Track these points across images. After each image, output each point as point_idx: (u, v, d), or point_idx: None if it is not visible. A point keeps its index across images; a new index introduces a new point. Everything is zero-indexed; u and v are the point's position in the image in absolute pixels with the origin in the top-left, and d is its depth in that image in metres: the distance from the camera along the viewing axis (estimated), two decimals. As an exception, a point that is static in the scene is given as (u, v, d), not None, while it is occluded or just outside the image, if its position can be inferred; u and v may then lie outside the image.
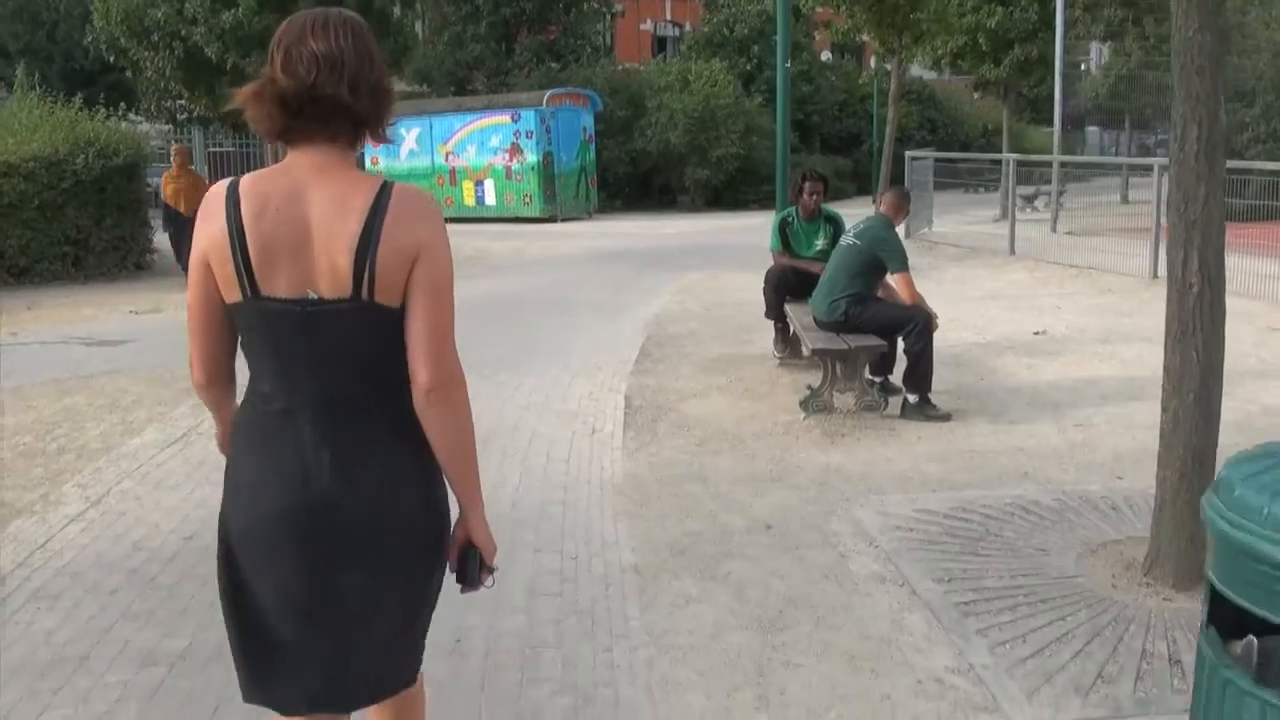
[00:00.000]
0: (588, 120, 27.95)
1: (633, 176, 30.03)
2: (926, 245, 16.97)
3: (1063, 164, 18.82)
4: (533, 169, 25.85)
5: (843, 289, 7.20)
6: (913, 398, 7.04)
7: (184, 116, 30.34)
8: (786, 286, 8.55)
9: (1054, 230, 18.60)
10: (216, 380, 2.29)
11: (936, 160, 18.83)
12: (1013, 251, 15.86)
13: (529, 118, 25.74)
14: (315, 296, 2.08)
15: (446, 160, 27.48)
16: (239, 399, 2.30)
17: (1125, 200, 24.46)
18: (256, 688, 2.28)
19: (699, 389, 7.97)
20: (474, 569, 2.30)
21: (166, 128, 31.32)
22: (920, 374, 7.02)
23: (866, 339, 7.07)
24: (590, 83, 29.63)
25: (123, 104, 23.61)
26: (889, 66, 17.57)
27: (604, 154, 28.96)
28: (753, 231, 22.82)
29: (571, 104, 27.36)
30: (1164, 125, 30.60)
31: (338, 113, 2.10)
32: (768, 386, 8.05)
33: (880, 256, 7.18)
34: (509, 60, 32.36)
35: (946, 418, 6.98)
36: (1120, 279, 13.36)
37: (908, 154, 18.50)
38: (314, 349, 2.12)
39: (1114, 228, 16.76)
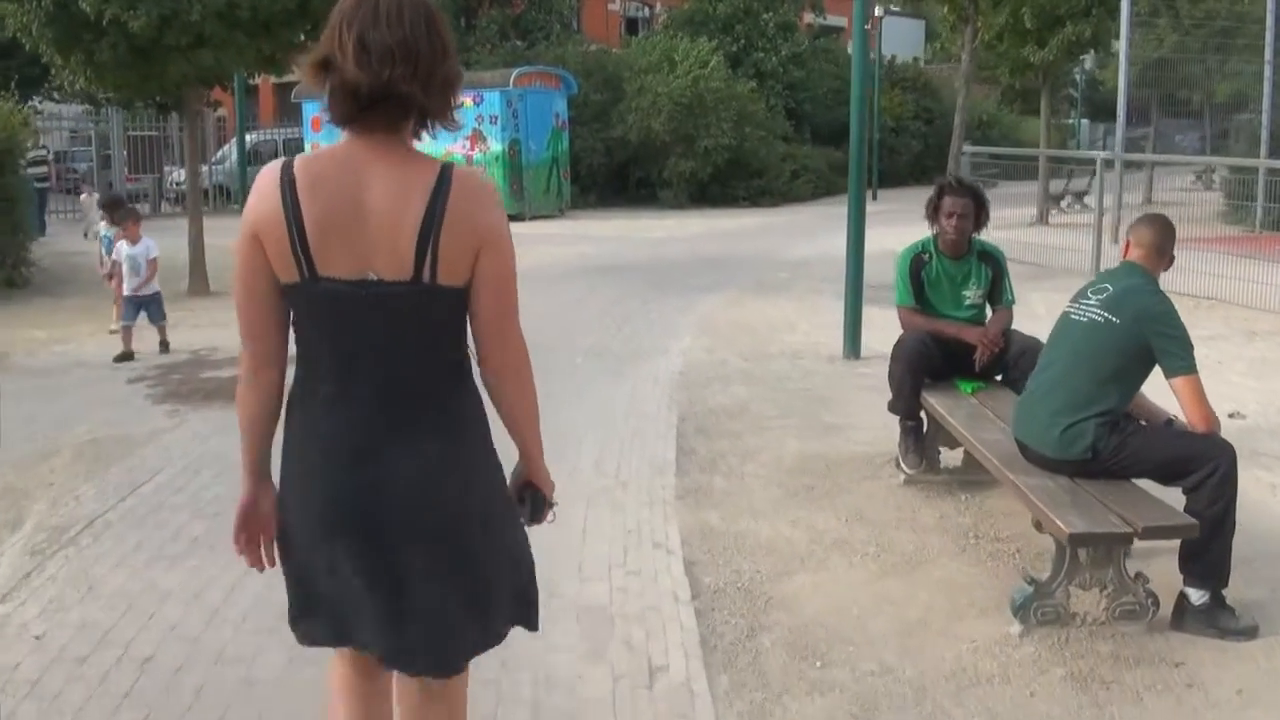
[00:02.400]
0: (560, 104, 24.61)
1: (607, 168, 26.71)
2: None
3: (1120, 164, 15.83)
4: (497, 160, 22.31)
5: (1088, 402, 4.08)
6: (1198, 596, 3.97)
7: (105, 97, 26.76)
8: (928, 365, 5.43)
9: (1116, 241, 15.61)
10: (270, 364, 2.20)
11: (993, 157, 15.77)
12: (1097, 269, 12.80)
13: (493, 100, 22.23)
14: (375, 278, 2.04)
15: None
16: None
17: (1149, 200, 21.87)
18: (322, 629, 2.32)
19: (801, 543, 4.83)
20: (538, 506, 2.42)
21: (81, 108, 27.69)
22: (1214, 557, 3.95)
23: (1156, 510, 3.94)
24: (561, 62, 26.28)
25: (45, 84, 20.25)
26: (960, 44, 14.28)
27: (576, 143, 25.65)
28: (754, 235, 19.89)
29: (542, 85, 24.00)
30: (1196, 117, 27.87)
31: (409, 110, 2.05)
32: (911, 534, 4.93)
33: (1153, 345, 4.06)
34: (470, 36, 28.84)
35: (1251, 632, 3.95)
36: (1258, 315, 10.43)
37: (966, 149, 15.43)
38: (374, 331, 2.08)
39: (1188, 238, 13.69)
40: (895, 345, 5.53)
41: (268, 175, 2.09)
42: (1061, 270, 13.23)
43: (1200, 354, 4.21)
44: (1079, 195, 21.45)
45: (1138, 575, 4.01)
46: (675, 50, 26.63)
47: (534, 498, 2.42)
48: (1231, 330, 9.98)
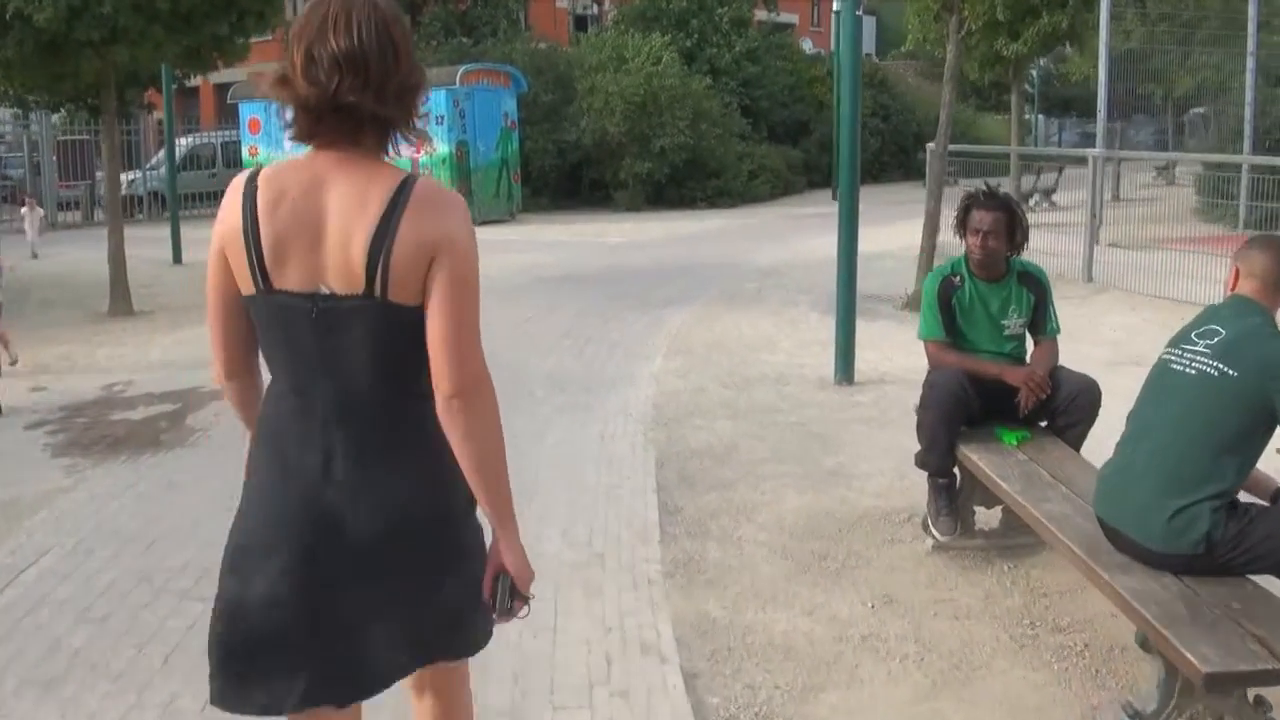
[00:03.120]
0: (510, 104, 23.57)
1: (560, 170, 25.69)
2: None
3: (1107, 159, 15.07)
4: (444, 162, 21.25)
5: (1200, 481, 3.20)
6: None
7: (33, 100, 25.41)
8: (965, 411, 4.54)
9: (1096, 241, 14.88)
10: (237, 374, 2.20)
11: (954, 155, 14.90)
12: (1090, 278, 12.04)
13: (439, 99, 21.11)
14: (327, 292, 1.98)
15: (340, 150, 22.82)
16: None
17: (1116, 198, 21.25)
18: (237, 691, 2.08)
19: (824, 642, 3.92)
20: (505, 596, 2.10)
21: (10, 112, 26.25)
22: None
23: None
24: (510, 59, 25.23)
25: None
26: (943, 35, 13.31)
27: (527, 144, 24.62)
28: (716, 238, 18.92)
29: (490, 83, 22.95)
30: (1158, 112, 27.33)
31: (363, 121, 1.97)
32: (954, 624, 4.04)
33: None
34: (414, 33, 27.76)
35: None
36: None
37: (929, 147, 14.57)
38: (326, 347, 2.01)
39: (1161, 237, 12.94)
40: (926, 388, 4.63)
41: (234, 187, 2.06)
42: (1054, 277, 12.40)
43: None
44: (1047, 193, 20.86)
45: (1258, 700, 3.14)
46: (626, 47, 25.68)
47: (503, 585, 2.12)
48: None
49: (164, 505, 5.47)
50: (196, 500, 5.46)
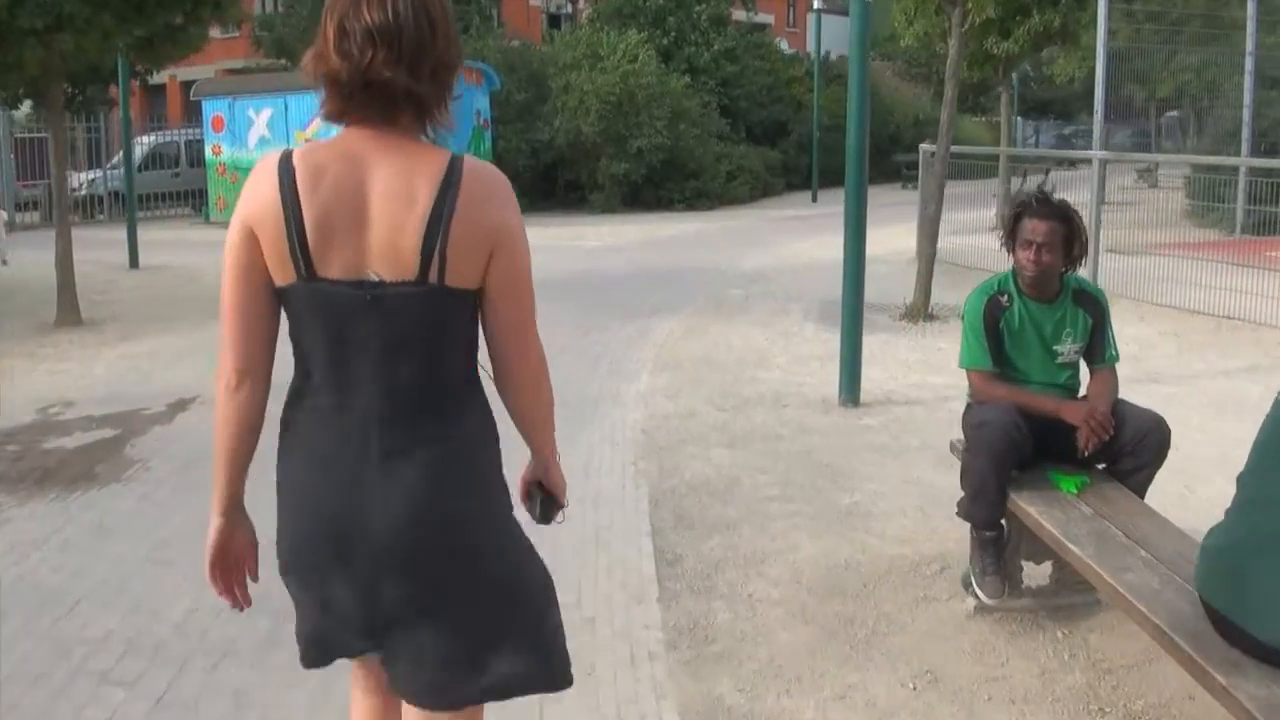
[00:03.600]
0: (482, 102, 22.88)
1: (534, 171, 25.00)
2: (957, 271, 12.38)
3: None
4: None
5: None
6: None
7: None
8: (1018, 456, 3.92)
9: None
10: (251, 377, 2.00)
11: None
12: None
13: (409, 97, 20.47)
14: (377, 279, 1.89)
15: (307, 150, 22.03)
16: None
17: (1103, 201, 20.74)
18: (319, 660, 2.18)
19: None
20: (547, 507, 2.29)
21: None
22: None
23: None
24: (482, 56, 24.54)
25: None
26: (948, 32, 12.64)
27: (500, 143, 23.95)
28: (697, 242, 18.21)
29: (462, 80, 22.12)
30: (1140, 116, 26.91)
31: (394, 98, 1.87)
32: (1011, 710, 3.43)
33: None
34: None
35: None
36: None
37: (923, 148, 14.00)
38: (376, 337, 1.92)
39: (1157, 243, 12.39)
40: (972, 428, 3.99)
41: (264, 167, 1.93)
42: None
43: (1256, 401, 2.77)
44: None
45: None
46: (601, 44, 25.03)
47: (544, 499, 2.30)
48: (1266, 357, 8.67)
49: (92, 556, 4.78)
50: (128, 548, 4.79)
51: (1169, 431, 3.93)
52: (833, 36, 38.98)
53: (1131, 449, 3.93)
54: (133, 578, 4.47)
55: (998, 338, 4.11)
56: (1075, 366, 4.21)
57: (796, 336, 9.44)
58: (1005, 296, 4.13)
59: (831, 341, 8.99)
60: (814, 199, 26.95)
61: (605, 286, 12.70)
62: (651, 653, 3.83)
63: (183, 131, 27.59)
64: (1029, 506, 3.82)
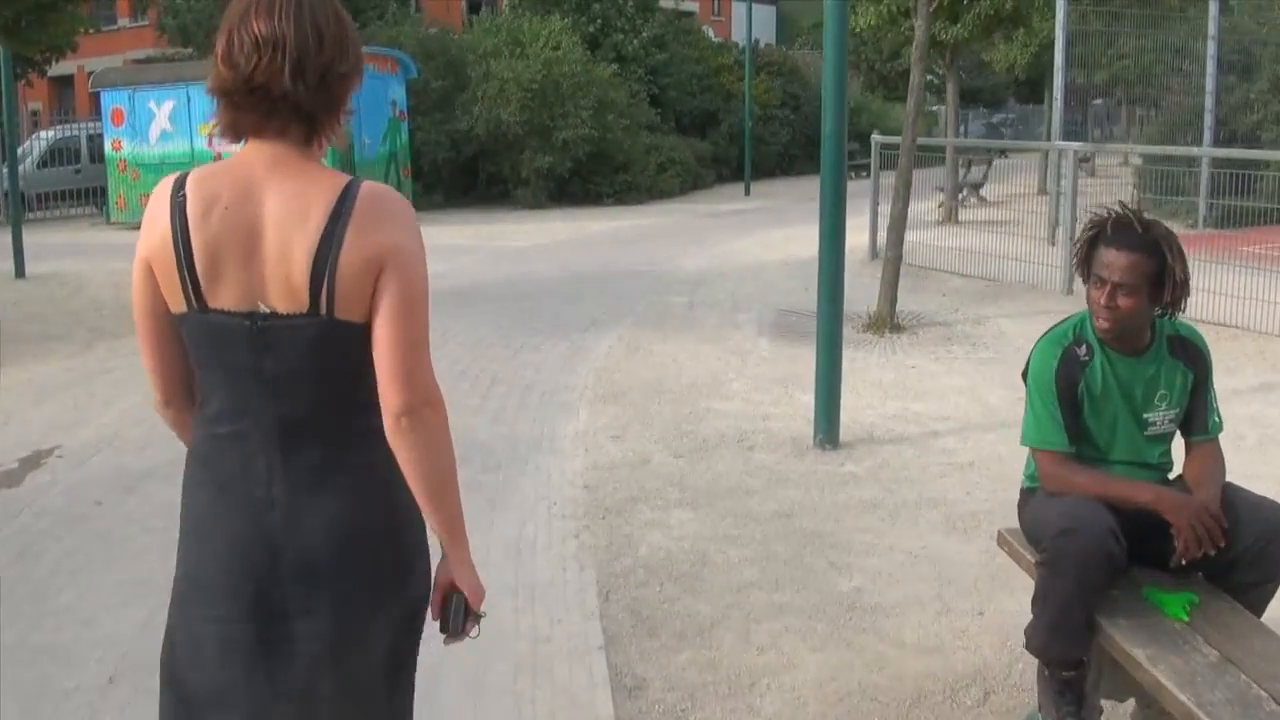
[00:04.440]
0: (398, 91, 21.51)
1: (454, 164, 23.65)
2: (915, 273, 11.36)
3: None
4: (325, 157, 19.12)
5: None
6: None
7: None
8: (1114, 573, 2.86)
9: (1052, 242, 13.48)
10: (175, 399, 2.03)
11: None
12: (1071, 289, 10.53)
13: (319, 87, 19.05)
14: (267, 310, 1.85)
15: (210, 145, 20.18)
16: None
17: (1044, 192, 20.09)
18: None
19: None
20: (458, 616, 2.03)
21: None
22: None
23: None
24: (397, 43, 23.16)
25: None
26: (914, 11, 11.62)
27: (417, 135, 22.60)
28: (631, 241, 17.15)
29: (376, 70, 20.84)
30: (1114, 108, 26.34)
31: (278, 105, 1.84)
32: None
33: None
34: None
35: None
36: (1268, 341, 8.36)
37: (875, 138, 13.00)
38: (267, 369, 1.87)
39: None
40: (1054, 537, 2.87)
41: (159, 194, 1.90)
42: (1023, 288, 10.91)
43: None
44: (975, 188, 19.60)
45: None
46: (523, 31, 23.78)
47: (455, 604, 2.02)
48: (1272, 369, 7.76)
49: None
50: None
51: (1303, 531, 2.90)
52: (757, 25, 38.16)
53: (1252, 559, 2.89)
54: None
55: (1074, 405, 3.05)
56: (1168, 438, 3.17)
57: (751, 355, 8.37)
58: (1084, 348, 3.07)
59: (791, 360, 7.97)
60: (747, 192, 25.96)
61: (535, 294, 11.52)
62: None
63: (84, 125, 25.74)
64: (1131, 646, 2.75)
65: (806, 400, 6.85)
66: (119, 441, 6.35)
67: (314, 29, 1.83)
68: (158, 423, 2.06)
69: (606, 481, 5.53)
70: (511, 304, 10.85)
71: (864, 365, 7.83)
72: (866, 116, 35.38)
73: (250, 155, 1.88)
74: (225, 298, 1.84)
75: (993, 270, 11.38)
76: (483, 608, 2.06)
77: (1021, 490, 3.32)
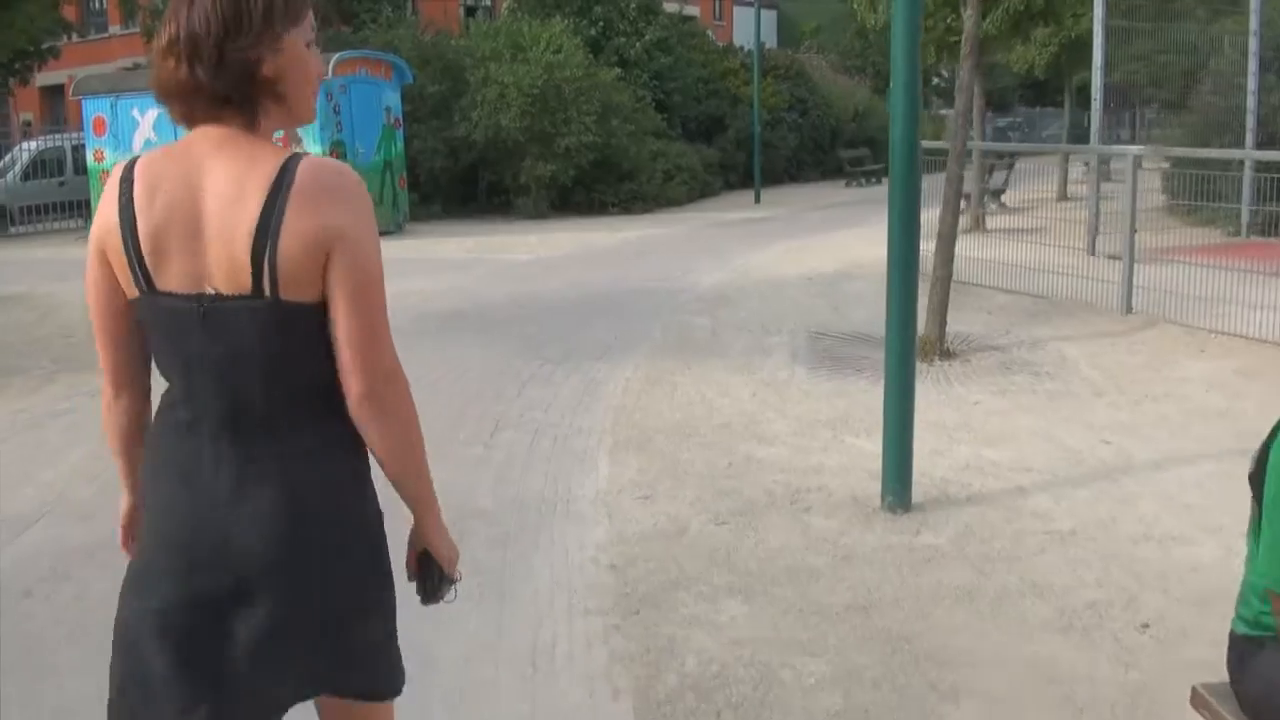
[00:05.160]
0: (393, 98, 20.57)
1: (452, 173, 22.69)
2: (952, 288, 10.39)
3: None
4: (313, 141, 18.17)
5: None
6: None
7: None
8: None
9: (1092, 253, 12.55)
10: (125, 387, 2.01)
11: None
12: (1129, 308, 9.57)
13: (310, 94, 18.09)
14: (213, 292, 1.82)
15: (196, 153, 19.52)
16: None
17: (1065, 197, 19.15)
18: None
19: None
20: (434, 580, 2.04)
21: None
22: None
23: None
24: (393, 48, 22.23)
25: None
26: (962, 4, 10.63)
27: (414, 143, 21.67)
28: (640, 253, 16.11)
29: (370, 75, 19.93)
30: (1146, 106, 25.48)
31: (190, 94, 1.83)
32: None
33: None
34: (284, 21, 24.45)
35: None
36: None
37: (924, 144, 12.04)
38: (215, 352, 1.84)
39: (1162, 247, 10.51)
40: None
41: (111, 179, 1.89)
42: (1075, 305, 9.93)
43: None
44: (996, 194, 18.75)
45: None
46: (522, 34, 22.84)
47: (430, 571, 2.03)
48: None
49: None
50: None
51: None
52: (751, 31, 37.25)
53: None
54: None
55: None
56: None
57: (789, 387, 7.42)
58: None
59: (836, 395, 7.04)
60: (757, 199, 25.00)
61: (541, 316, 10.56)
62: None
63: (68, 136, 24.82)
64: None
65: (862, 446, 5.93)
66: (62, 507, 5.42)
67: (202, 15, 1.79)
68: (110, 480, 1.89)
69: (637, 559, 4.59)
70: (515, 327, 9.91)
71: (921, 401, 6.88)
72: (876, 120, 34.51)
73: (197, 137, 1.85)
74: (172, 280, 1.81)
75: (1036, 285, 10.42)
76: (457, 571, 2.06)
77: (1237, 637, 2.40)
